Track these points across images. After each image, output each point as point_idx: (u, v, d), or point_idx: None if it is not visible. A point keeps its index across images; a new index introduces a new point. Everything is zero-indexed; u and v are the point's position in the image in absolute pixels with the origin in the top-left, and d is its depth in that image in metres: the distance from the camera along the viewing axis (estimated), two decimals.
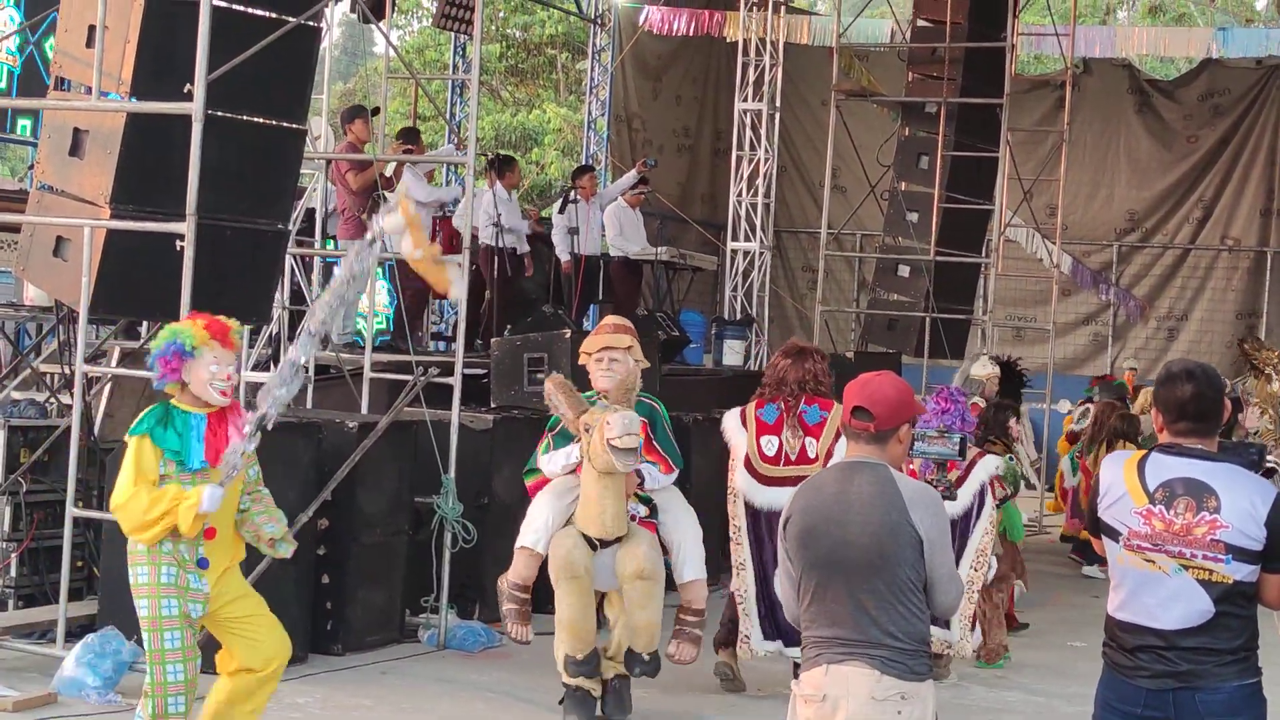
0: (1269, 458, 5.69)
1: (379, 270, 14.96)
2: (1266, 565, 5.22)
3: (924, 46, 19.06)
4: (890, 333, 19.14)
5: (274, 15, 9.69)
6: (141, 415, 6.90)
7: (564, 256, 17.00)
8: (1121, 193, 27.45)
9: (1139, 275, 27.36)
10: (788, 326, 26.52)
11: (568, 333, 12.79)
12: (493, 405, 12.66)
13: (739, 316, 21.19)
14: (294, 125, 10.09)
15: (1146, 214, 27.41)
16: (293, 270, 12.07)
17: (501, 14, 37.17)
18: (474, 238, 15.46)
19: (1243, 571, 5.20)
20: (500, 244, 15.72)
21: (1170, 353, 26.65)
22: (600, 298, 17.85)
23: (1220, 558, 5.19)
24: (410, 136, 16.11)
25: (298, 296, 12.25)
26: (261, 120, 9.86)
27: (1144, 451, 5.43)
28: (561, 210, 17.12)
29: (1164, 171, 27.37)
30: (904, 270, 18.81)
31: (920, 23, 19.28)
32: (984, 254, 19.78)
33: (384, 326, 17.24)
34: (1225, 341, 26.68)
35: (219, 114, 9.29)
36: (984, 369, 14.87)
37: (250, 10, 9.71)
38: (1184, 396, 5.37)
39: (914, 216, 18.67)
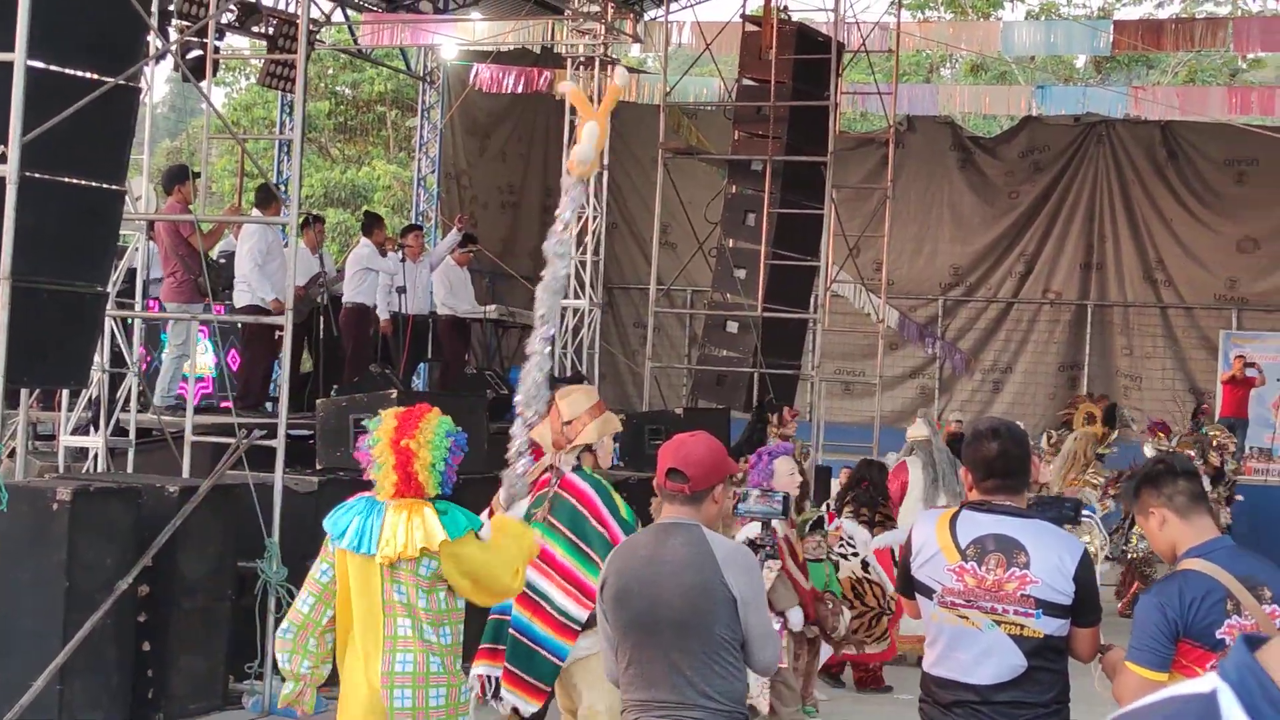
0: (1084, 512, 5.79)
1: (199, 335, 14.78)
2: (1076, 620, 5.34)
3: (749, 105, 19.27)
4: (719, 388, 19.26)
5: (93, 76, 9.57)
6: None
7: (384, 315, 16.89)
8: (946, 248, 27.91)
9: (964, 329, 27.80)
10: (619, 383, 26.61)
11: (394, 393, 12.71)
12: (318, 467, 12.53)
13: (569, 373, 21.18)
14: (113, 186, 9.96)
15: (970, 268, 27.88)
16: (113, 333, 11.87)
17: (330, 71, 37.02)
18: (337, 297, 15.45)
19: (1052, 626, 5.30)
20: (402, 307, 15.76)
21: (995, 405, 27.14)
22: (429, 356, 17.78)
23: (1031, 613, 5.28)
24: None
25: (118, 359, 12.05)
26: (80, 181, 9.72)
27: (955, 509, 5.52)
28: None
29: (987, 226, 27.87)
30: (732, 326, 18.95)
31: (746, 82, 19.49)
32: (811, 309, 19.98)
33: (205, 387, 17.00)
34: (1048, 393, 27.21)
35: (35, 175, 9.15)
36: (919, 430, 14.83)
37: (68, 71, 9.58)
38: (991, 454, 5.47)
39: (741, 273, 18.82)
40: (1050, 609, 5.29)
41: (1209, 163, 26.78)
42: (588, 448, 7.49)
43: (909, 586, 5.56)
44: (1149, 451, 17.48)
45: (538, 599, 7.07)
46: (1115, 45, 23.78)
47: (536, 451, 7.45)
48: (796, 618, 9.18)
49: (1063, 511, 5.78)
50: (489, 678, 7.20)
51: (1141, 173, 27.24)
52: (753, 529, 7.61)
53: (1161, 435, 18.22)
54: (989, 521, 5.39)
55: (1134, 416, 17.43)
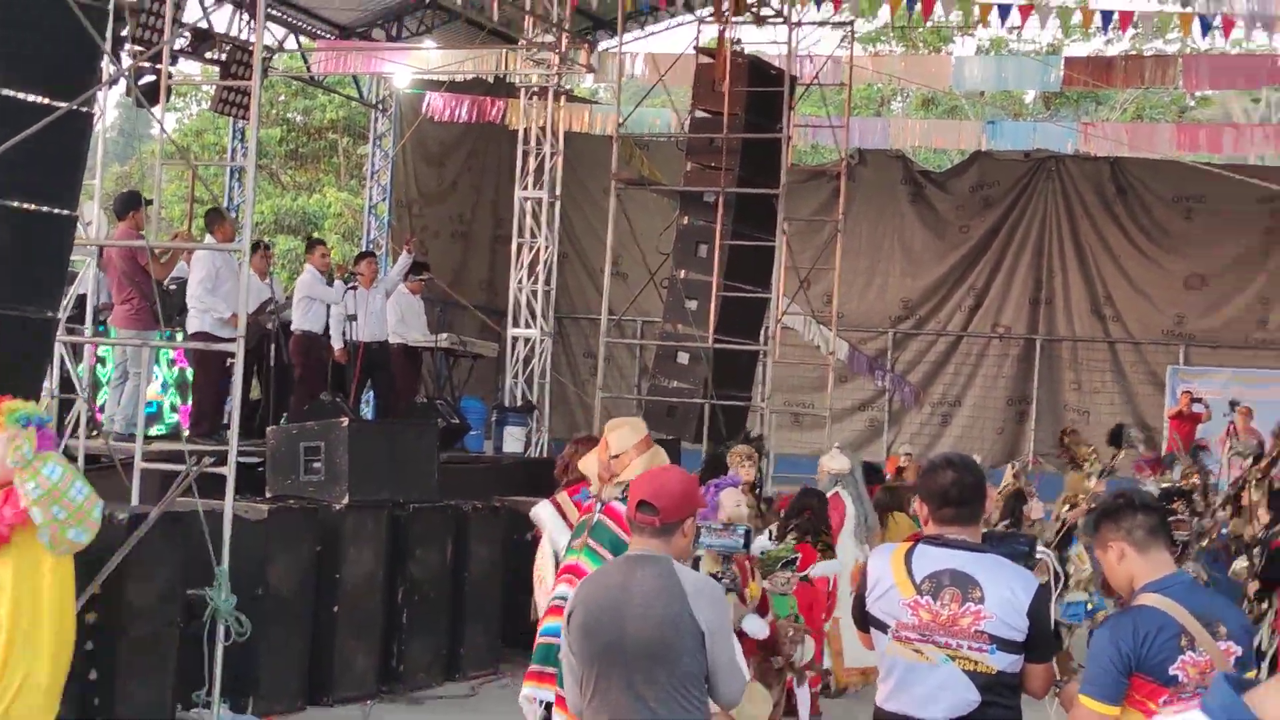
0: (1039, 549, 5.81)
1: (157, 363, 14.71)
2: (1029, 655, 5.35)
3: (702, 137, 19.28)
4: (670, 419, 19.21)
5: (45, 101, 9.50)
6: None
7: (336, 344, 16.82)
8: (896, 281, 28.05)
9: (913, 362, 27.93)
10: (569, 413, 26.59)
11: (345, 421, 12.67)
12: (268, 495, 12.46)
13: (520, 403, 21.15)
14: (65, 211, 9.89)
15: (920, 302, 28.02)
16: (63, 359, 11.79)
17: (282, 98, 36.95)
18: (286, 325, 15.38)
19: (1005, 661, 5.31)
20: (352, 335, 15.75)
21: (944, 438, 27.24)
22: (382, 384, 17.73)
23: (985, 648, 5.29)
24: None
25: (67, 384, 11.97)
26: (32, 207, 9.64)
27: (910, 544, 5.52)
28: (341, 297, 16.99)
29: (937, 260, 28.03)
30: (683, 357, 18.93)
31: (698, 113, 19.50)
32: (762, 341, 20.00)
33: (155, 412, 16.89)
34: (996, 427, 27.33)
35: None
36: (835, 462, 14.80)
37: (20, 95, 9.51)
38: (945, 483, 5.50)
39: (693, 304, 18.81)
40: (1004, 644, 5.30)
41: (1157, 199, 27.01)
42: None
43: (864, 620, 5.56)
44: (1153, 489, 17.58)
45: None
46: (1065, 81, 23.92)
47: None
48: (754, 625, 9.17)
49: (1016, 548, 5.77)
50: (541, 701, 7.19)
51: (1090, 208, 27.46)
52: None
53: (1150, 472, 18.27)
54: (944, 556, 5.40)
55: (1141, 437, 17.45)
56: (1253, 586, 14.13)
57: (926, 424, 27.76)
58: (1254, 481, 14.61)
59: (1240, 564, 13.67)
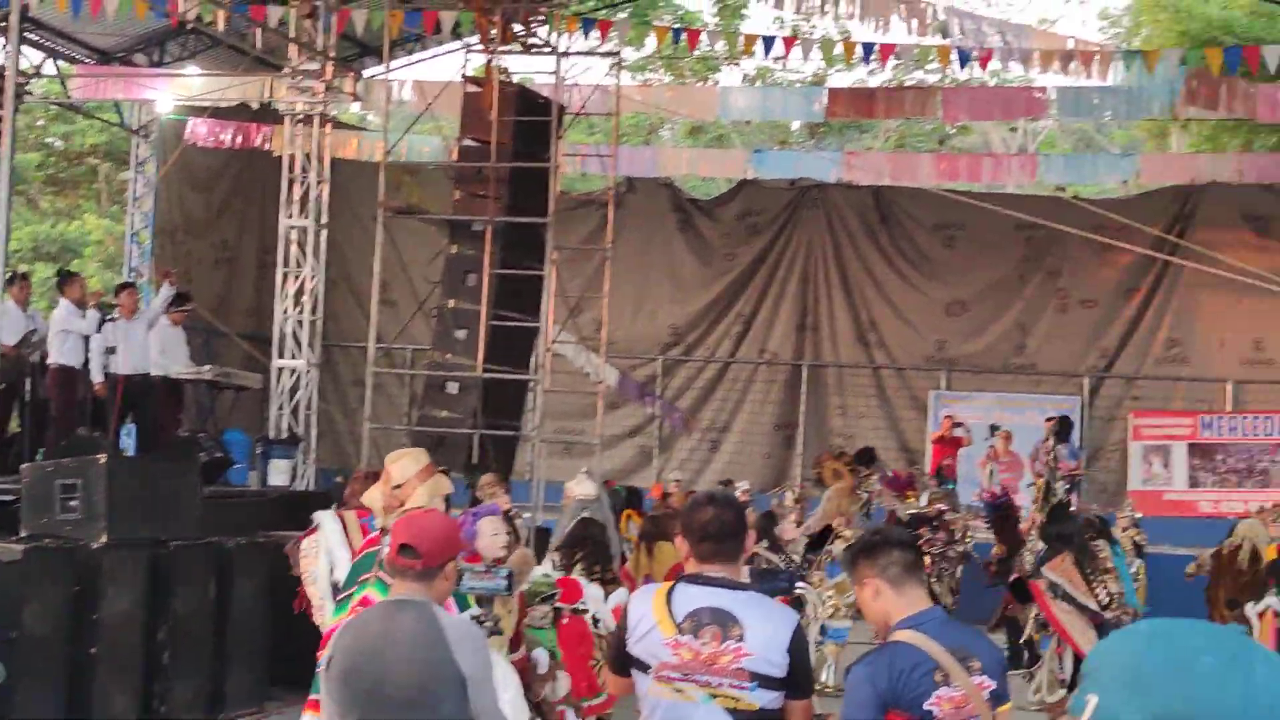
0: (799, 585, 5.86)
1: None
2: (790, 692, 5.37)
3: (470, 166, 19.22)
4: (439, 450, 19.06)
5: None
6: None
7: (96, 377, 16.44)
8: (665, 308, 28.24)
9: (682, 388, 28.13)
10: (338, 443, 26.31)
11: (102, 457, 12.36)
12: (22, 534, 12.10)
13: (286, 435, 20.85)
14: None
15: (689, 328, 28.24)
16: None
17: (41, 122, 36.07)
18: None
19: (766, 699, 5.33)
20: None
21: (713, 463, 27.47)
22: (142, 419, 17.36)
23: (745, 685, 5.30)
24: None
25: None
26: None
27: (671, 583, 5.52)
28: (99, 329, 16.61)
29: (705, 287, 28.28)
30: (452, 387, 18.82)
31: (467, 142, 19.43)
32: (532, 370, 19.97)
33: None
34: (764, 453, 27.62)
35: None
36: (581, 487, 14.72)
37: None
38: (705, 519, 5.51)
39: (462, 333, 18.72)
40: (765, 681, 5.32)
41: (919, 227, 27.56)
42: None
43: (621, 663, 5.53)
44: (902, 514, 17.91)
45: None
46: (829, 112, 24.28)
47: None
48: (540, 657, 9.15)
49: (778, 584, 5.82)
50: None
51: (854, 236, 27.93)
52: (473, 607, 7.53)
53: (910, 494, 18.62)
54: (704, 594, 5.41)
55: (885, 460, 17.74)
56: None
57: (696, 450, 27.96)
58: (1037, 504, 15.02)
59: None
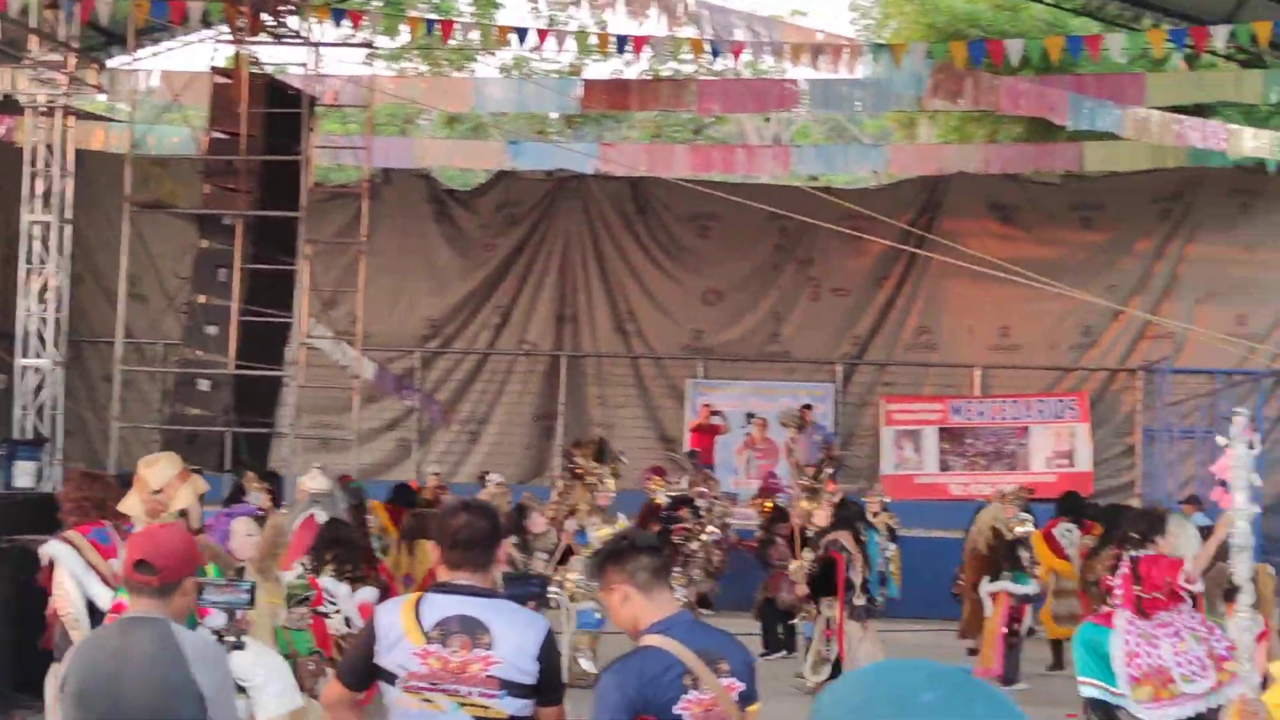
0: (550, 589, 5.85)
1: None
2: (540, 699, 5.37)
3: (220, 159, 18.88)
4: (191, 447, 18.70)
5: None
6: None
7: None
8: (423, 300, 28.06)
9: (441, 380, 27.98)
10: (88, 441, 25.66)
11: None
12: None
13: (31, 436, 20.26)
14: None
15: (447, 320, 28.10)
16: None
17: None
18: None
19: (516, 706, 5.32)
20: None
21: (473, 455, 27.39)
22: None
23: (495, 693, 5.28)
24: None
25: None
26: None
27: (419, 594, 5.48)
28: None
29: (463, 279, 28.16)
30: (204, 384, 18.50)
31: (216, 134, 19.08)
32: (286, 365, 19.71)
33: None
34: (523, 444, 27.61)
35: None
36: (315, 482, 14.53)
37: None
38: (458, 525, 5.49)
39: (213, 329, 18.41)
40: (514, 689, 5.30)
41: (675, 217, 27.77)
42: (182, 512, 7.34)
43: (356, 674, 5.44)
44: (663, 499, 17.96)
45: None
46: (584, 103, 24.34)
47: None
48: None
49: (529, 589, 5.80)
50: None
51: (612, 227, 28.04)
52: (217, 620, 7.40)
53: (658, 479, 18.69)
54: (453, 603, 5.38)
55: (623, 450, 17.77)
56: (801, 590, 14.62)
57: (455, 442, 27.82)
58: (805, 492, 15.16)
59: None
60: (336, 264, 24.38)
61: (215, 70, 19.34)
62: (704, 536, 17.40)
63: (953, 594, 19.79)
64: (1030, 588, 16.39)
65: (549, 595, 5.71)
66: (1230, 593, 6.61)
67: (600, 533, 14.58)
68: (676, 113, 31.78)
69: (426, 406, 26.62)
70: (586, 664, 14.29)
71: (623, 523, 15.62)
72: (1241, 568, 6.26)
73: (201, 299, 18.73)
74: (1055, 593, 17.30)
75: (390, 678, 5.34)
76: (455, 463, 27.24)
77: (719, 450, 25.09)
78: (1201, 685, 9.81)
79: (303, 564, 11.67)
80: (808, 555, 14.26)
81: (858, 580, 14.27)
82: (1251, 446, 6.29)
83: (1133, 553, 10.61)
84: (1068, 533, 16.99)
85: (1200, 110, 23.96)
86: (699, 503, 18.25)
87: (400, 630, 5.35)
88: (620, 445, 25.45)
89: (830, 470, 15.68)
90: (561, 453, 24.65)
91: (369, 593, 11.87)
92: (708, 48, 22.31)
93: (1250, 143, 22.03)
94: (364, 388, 23.10)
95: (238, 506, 10.31)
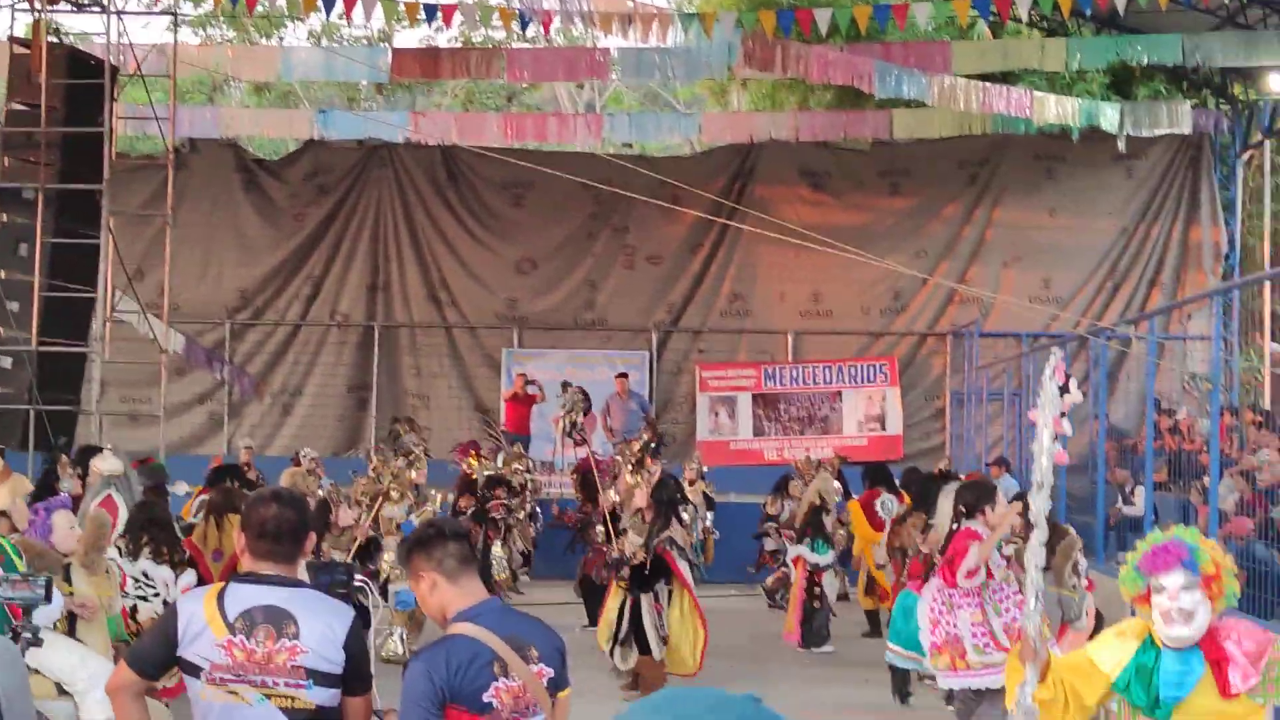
0: (358, 578, 5.79)
1: None
2: (347, 689, 5.32)
3: (19, 131, 18.46)
4: None
5: None
6: None
7: None
8: (232, 271, 27.66)
9: (252, 352, 27.62)
10: None
11: None
12: None
13: None
14: None
15: (257, 291, 27.74)
16: None
17: None
18: None
19: (324, 696, 5.27)
20: None
21: (285, 427, 27.11)
22: None
23: (302, 684, 5.23)
24: None
25: None
26: None
27: (223, 584, 5.40)
28: None
29: (273, 249, 27.82)
30: (5, 361, 18.11)
31: (15, 106, 18.65)
32: (91, 340, 19.32)
33: None
34: (337, 415, 27.36)
35: None
36: (107, 463, 14.21)
37: None
38: (266, 516, 5.41)
39: (14, 305, 18.02)
40: (321, 679, 5.26)
41: (488, 186, 27.66)
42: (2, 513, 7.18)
43: (149, 662, 5.34)
44: (479, 476, 17.89)
45: None
46: (395, 71, 24.10)
47: None
48: None
49: (335, 577, 5.73)
50: None
51: (424, 196, 27.86)
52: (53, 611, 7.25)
53: (475, 456, 18.61)
54: (257, 593, 5.31)
55: (403, 429, 17.62)
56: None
57: (267, 414, 27.50)
58: (629, 466, 15.12)
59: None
60: (143, 236, 23.98)
61: (13, 40, 18.90)
62: (520, 515, 17.41)
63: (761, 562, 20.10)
64: (827, 557, 16.56)
65: (356, 583, 5.66)
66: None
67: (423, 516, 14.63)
68: (489, 81, 31.56)
69: (237, 379, 26.26)
70: (398, 645, 14.24)
71: (436, 501, 15.59)
72: (1039, 504, 6.34)
73: (1, 274, 18.30)
74: (879, 566, 17.39)
75: (194, 670, 5.26)
76: (268, 436, 26.95)
77: (535, 419, 25.05)
78: (994, 657, 9.92)
79: (118, 547, 11.46)
80: (631, 540, 14.13)
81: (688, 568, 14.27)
82: (1066, 391, 6.34)
83: (955, 524, 10.66)
84: (887, 503, 17.21)
85: (1006, 78, 24.38)
86: (513, 480, 18.27)
87: (203, 621, 5.26)
88: (436, 416, 25.55)
89: (654, 445, 15.68)
90: (388, 427, 24.57)
91: (191, 576, 11.71)
92: (518, 16, 22.22)
93: (1054, 109, 22.48)
94: (172, 361, 22.74)
95: (54, 500, 10.08)
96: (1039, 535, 6.34)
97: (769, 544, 20.00)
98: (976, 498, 10.52)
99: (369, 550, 14.83)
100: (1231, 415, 20.36)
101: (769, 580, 20.32)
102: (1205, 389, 17.03)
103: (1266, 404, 22.74)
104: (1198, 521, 16.35)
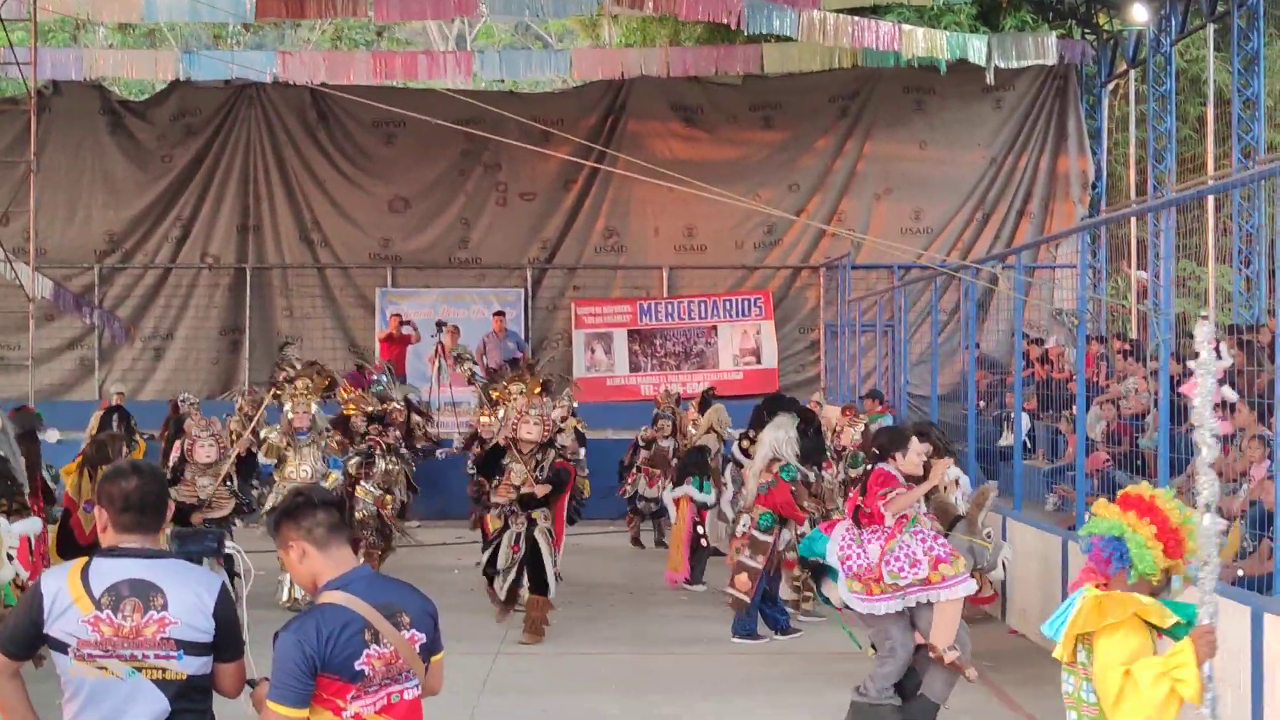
0: (229, 545, 5.76)
1: None
2: (219, 656, 5.34)
3: None
4: None
5: None
6: None
7: None
8: (100, 214, 27.30)
9: (122, 296, 27.29)
10: None
11: None
12: None
13: None
14: None
15: (126, 234, 27.40)
16: None
17: None
18: None
19: (195, 665, 5.28)
20: None
21: (158, 372, 26.88)
22: None
23: (172, 655, 5.23)
24: None
25: None
26: None
27: (85, 560, 5.35)
28: None
29: (141, 192, 27.47)
30: None
31: None
32: None
33: None
34: (211, 359, 27.13)
35: None
36: None
37: None
38: (127, 489, 5.38)
39: None
40: (192, 648, 5.26)
41: (358, 125, 27.43)
42: None
43: (19, 643, 5.29)
44: (359, 419, 17.70)
45: None
46: (259, 11, 23.73)
47: None
48: None
49: (206, 544, 5.70)
50: None
51: (294, 135, 27.61)
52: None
53: (357, 388, 18.39)
54: (122, 566, 5.28)
55: (298, 357, 17.52)
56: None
57: (139, 359, 27.21)
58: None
59: None
60: (7, 180, 23.60)
61: None
62: (396, 462, 17.34)
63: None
64: (709, 496, 16.64)
65: (227, 550, 5.64)
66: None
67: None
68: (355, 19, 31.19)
69: (107, 324, 25.92)
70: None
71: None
72: (1207, 490, 5.74)
73: None
74: None
75: (61, 647, 5.23)
76: (140, 380, 26.71)
77: (410, 359, 24.99)
78: (910, 577, 10.05)
79: None
80: (518, 471, 14.11)
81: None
82: (1220, 357, 5.70)
83: (869, 465, 10.81)
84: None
85: (875, 10, 24.49)
86: (413, 419, 18.25)
87: (69, 598, 5.23)
88: (310, 357, 25.29)
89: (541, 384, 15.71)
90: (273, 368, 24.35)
91: (31, 524, 11.55)
92: None
93: (922, 42, 22.59)
94: (40, 307, 22.45)
95: None
96: (1209, 522, 5.52)
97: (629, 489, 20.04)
98: (890, 441, 10.66)
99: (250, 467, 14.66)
100: (1100, 344, 20.66)
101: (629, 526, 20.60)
102: (1073, 323, 17.23)
103: (1134, 333, 23.05)
104: (1066, 451, 16.66)
